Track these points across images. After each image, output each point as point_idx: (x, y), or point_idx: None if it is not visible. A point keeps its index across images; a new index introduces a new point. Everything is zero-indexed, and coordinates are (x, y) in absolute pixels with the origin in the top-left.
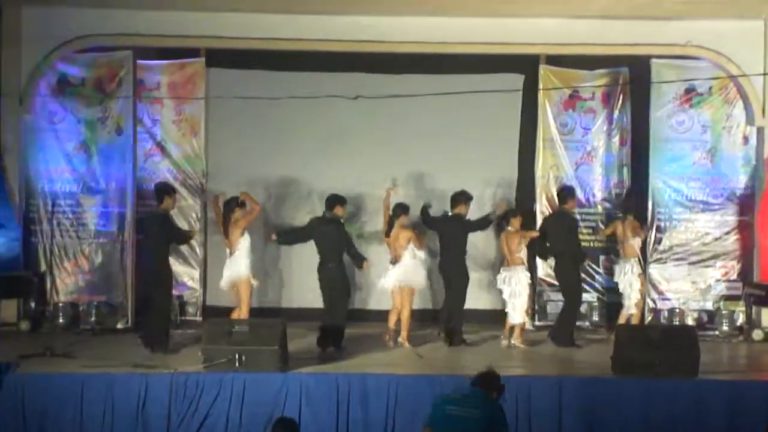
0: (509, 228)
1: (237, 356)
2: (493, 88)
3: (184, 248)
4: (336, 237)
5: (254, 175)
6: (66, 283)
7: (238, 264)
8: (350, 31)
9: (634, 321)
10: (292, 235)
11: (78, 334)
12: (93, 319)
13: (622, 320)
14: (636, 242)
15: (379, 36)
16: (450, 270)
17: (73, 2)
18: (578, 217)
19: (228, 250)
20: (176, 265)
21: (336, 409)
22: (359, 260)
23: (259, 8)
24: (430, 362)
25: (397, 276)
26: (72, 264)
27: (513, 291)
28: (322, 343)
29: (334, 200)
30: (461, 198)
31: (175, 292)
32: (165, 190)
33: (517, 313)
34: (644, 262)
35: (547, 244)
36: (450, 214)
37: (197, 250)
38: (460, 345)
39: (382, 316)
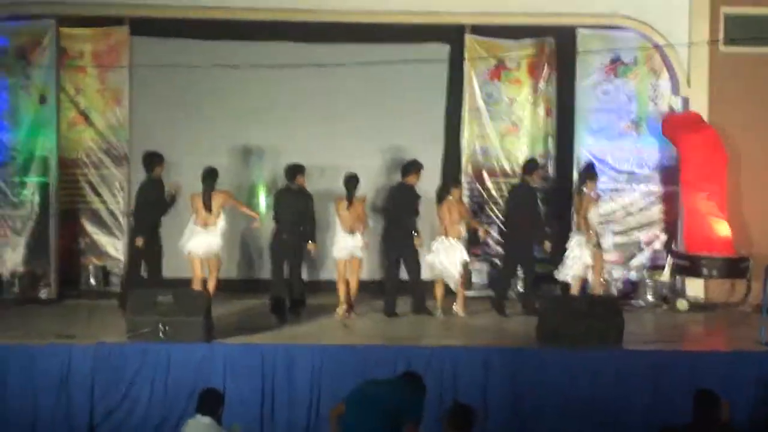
0: (450, 198)
1: (161, 326)
2: (420, 58)
3: (107, 218)
4: (303, 209)
5: (178, 144)
6: None
7: (215, 238)
8: (277, 0)
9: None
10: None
11: (0, 304)
12: (15, 289)
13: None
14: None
15: (307, 5)
16: (398, 238)
17: None
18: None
19: (197, 220)
20: (99, 235)
21: (261, 380)
22: (311, 239)
23: None
24: (360, 332)
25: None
26: None
27: (450, 261)
28: (277, 311)
29: (294, 170)
30: (412, 168)
31: (98, 263)
32: (154, 158)
33: (452, 282)
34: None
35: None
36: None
37: (120, 219)
38: (392, 316)
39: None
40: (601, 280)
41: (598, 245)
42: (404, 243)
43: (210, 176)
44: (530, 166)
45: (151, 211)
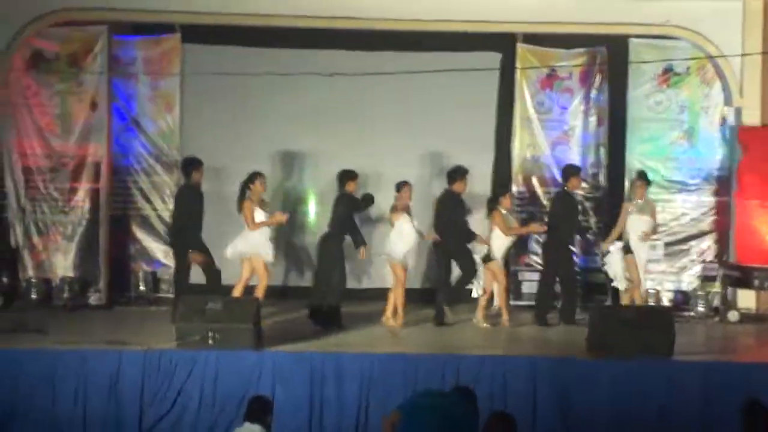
0: (499, 208)
1: (210, 334)
2: (471, 67)
3: (158, 224)
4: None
5: (228, 151)
6: (39, 258)
7: (253, 239)
8: (327, 8)
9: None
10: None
11: (51, 310)
12: (66, 295)
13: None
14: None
15: (356, 13)
16: (446, 245)
17: None
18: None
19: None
20: (149, 241)
21: (310, 388)
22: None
23: None
24: (410, 341)
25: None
26: (45, 239)
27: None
28: (319, 321)
29: (344, 176)
30: (457, 174)
31: (148, 269)
32: (192, 164)
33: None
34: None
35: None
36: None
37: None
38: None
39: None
40: (641, 290)
41: (628, 250)
42: (455, 249)
43: (242, 182)
44: (566, 172)
45: (189, 218)
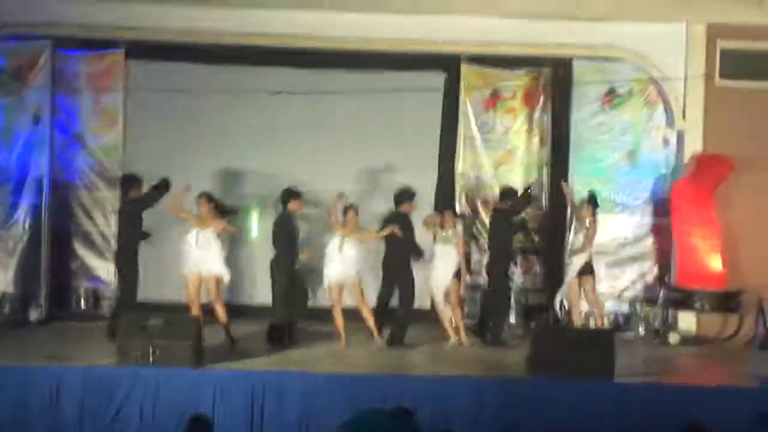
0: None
1: (151, 350)
2: (416, 86)
3: (98, 241)
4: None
5: (172, 167)
6: None
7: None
8: (273, 26)
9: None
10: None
11: None
12: (6, 311)
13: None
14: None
15: (303, 31)
16: (394, 266)
17: None
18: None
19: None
20: (90, 258)
21: (251, 406)
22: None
23: (180, 0)
24: (352, 361)
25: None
26: None
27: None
28: (273, 338)
29: (287, 194)
30: (406, 196)
31: (89, 285)
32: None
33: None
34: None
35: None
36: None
37: (112, 242)
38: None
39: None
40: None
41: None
42: (400, 271)
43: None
44: (501, 193)
45: (130, 233)
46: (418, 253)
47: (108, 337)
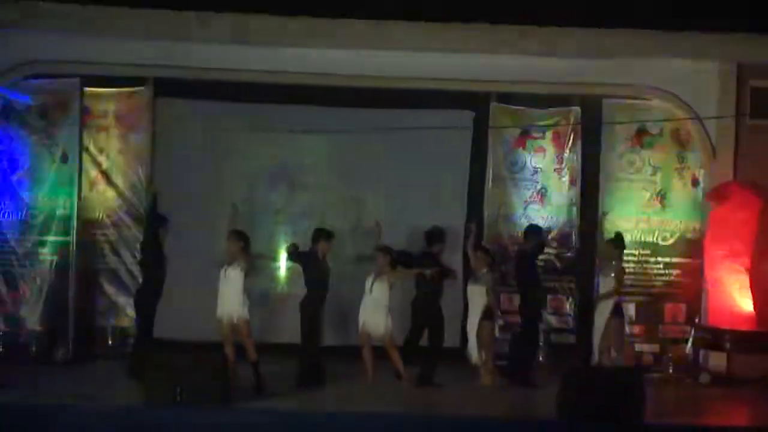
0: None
1: (178, 390)
2: (444, 125)
3: (127, 279)
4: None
5: (201, 205)
6: (8, 311)
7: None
8: (300, 64)
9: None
10: None
11: (18, 365)
12: (33, 349)
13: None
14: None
15: (330, 69)
16: (424, 306)
17: (21, 27)
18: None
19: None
20: (117, 296)
21: None
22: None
23: (208, 38)
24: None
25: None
26: (13, 293)
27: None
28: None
29: (317, 234)
30: (436, 235)
31: (116, 324)
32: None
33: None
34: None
35: None
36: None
37: (139, 279)
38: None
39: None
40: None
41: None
42: (430, 311)
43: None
44: (527, 231)
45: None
46: (452, 275)
47: (128, 375)
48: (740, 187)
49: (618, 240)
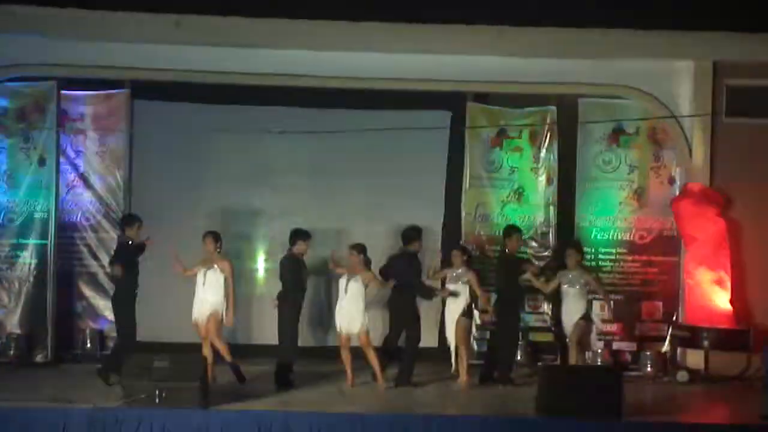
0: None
1: (157, 392)
2: (421, 125)
3: (105, 281)
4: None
5: (177, 208)
6: None
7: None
8: (277, 65)
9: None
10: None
11: None
12: (12, 352)
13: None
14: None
15: (308, 70)
16: (400, 306)
17: None
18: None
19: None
20: (96, 299)
21: None
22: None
23: (185, 41)
24: (359, 400)
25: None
26: None
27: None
28: (280, 378)
29: (295, 235)
30: (413, 234)
31: (95, 326)
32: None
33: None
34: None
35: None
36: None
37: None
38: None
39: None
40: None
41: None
42: (407, 311)
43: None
44: (505, 231)
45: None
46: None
47: (99, 378)
48: (701, 188)
49: (576, 245)
